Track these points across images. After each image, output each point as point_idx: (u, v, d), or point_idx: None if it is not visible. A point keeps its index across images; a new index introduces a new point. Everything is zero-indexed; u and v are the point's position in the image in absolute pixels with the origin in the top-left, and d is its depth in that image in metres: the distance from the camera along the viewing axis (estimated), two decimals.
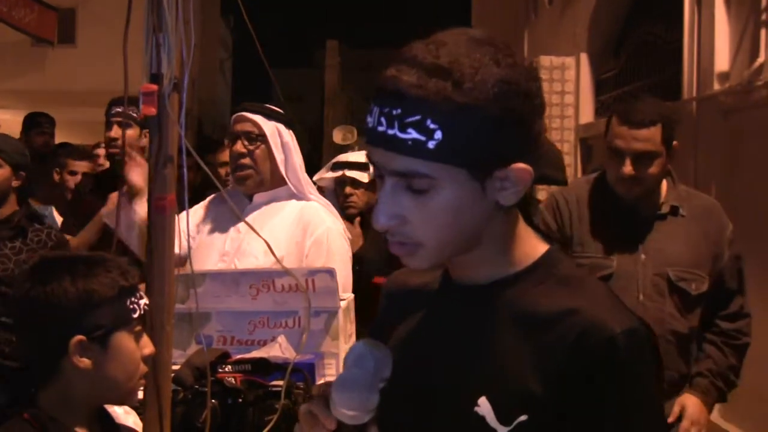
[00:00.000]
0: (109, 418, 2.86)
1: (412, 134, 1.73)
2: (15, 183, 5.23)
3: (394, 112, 1.74)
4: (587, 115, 13.56)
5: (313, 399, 1.89)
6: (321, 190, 6.71)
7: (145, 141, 6.34)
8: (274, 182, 4.62)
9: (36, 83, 20.38)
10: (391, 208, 1.81)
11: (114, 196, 5.92)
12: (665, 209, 4.25)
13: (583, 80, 13.61)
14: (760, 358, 5.11)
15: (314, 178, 7.03)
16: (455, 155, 1.75)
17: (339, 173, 6.39)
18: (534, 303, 1.88)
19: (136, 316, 2.71)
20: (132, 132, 6.27)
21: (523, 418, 1.80)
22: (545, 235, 2.02)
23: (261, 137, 4.56)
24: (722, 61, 9.39)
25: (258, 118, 4.57)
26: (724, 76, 9.34)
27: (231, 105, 35.87)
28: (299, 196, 4.62)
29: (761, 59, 8.49)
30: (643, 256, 4.13)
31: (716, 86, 9.36)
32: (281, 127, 4.62)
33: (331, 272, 4.05)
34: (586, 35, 13.46)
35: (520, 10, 16.50)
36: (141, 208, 4.16)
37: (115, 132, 6.28)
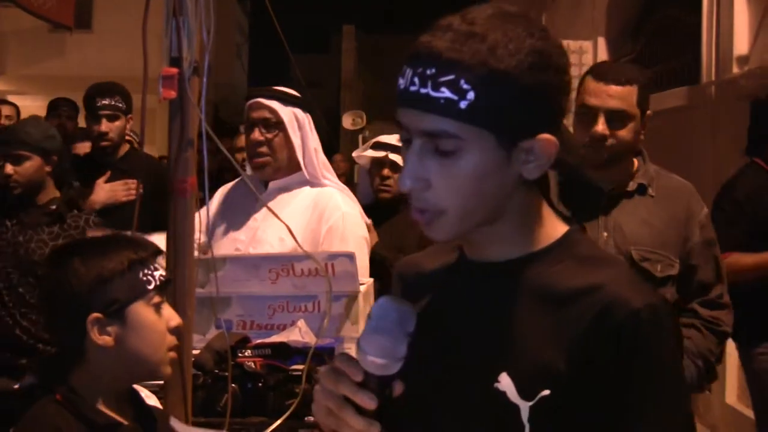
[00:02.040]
0: (139, 399, 2.88)
1: (445, 93, 1.75)
2: (47, 168, 5.21)
3: (428, 72, 1.77)
4: None
5: (334, 359, 1.88)
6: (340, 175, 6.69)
7: (129, 126, 6.36)
8: (290, 168, 4.61)
9: (55, 69, 20.43)
10: (417, 170, 1.82)
11: (100, 182, 5.98)
12: (632, 187, 4.08)
13: None
14: None
15: (354, 154, 6.99)
16: (485, 118, 1.77)
17: (382, 154, 6.32)
18: (554, 280, 1.89)
19: (151, 287, 2.74)
20: (120, 123, 6.27)
21: (545, 392, 1.81)
22: (565, 216, 2.02)
23: (278, 124, 4.54)
24: (741, 45, 9.35)
25: (274, 104, 4.54)
26: (743, 60, 9.30)
27: (247, 90, 35.95)
28: (314, 182, 4.60)
29: None
30: (605, 234, 3.99)
31: (736, 69, 9.32)
32: (298, 111, 4.59)
33: (350, 256, 4.04)
34: (604, 19, 13.42)
35: None
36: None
37: (105, 126, 6.27)
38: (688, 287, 4.08)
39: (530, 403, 1.81)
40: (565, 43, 13.48)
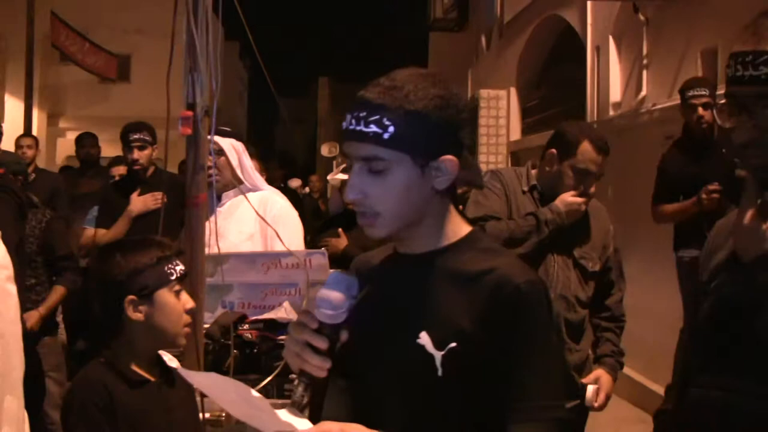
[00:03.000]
0: (164, 363, 2.92)
1: (373, 128, 1.86)
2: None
3: (361, 114, 1.88)
4: (516, 134, 13.59)
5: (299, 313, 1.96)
6: (314, 192, 6.68)
7: (155, 154, 6.41)
8: (235, 183, 4.55)
9: (101, 111, 20.34)
10: (357, 185, 1.92)
11: (134, 196, 6.06)
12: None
13: (512, 108, 13.63)
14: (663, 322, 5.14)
15: (329, 177, 7.04)
16: (403, 144, 1.87)
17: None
18: (461, 266, 1.95)
19: (173, 278, 2.81)
20: (147, 152, 6.34)
21: (453, 345, 1.87)
22: (469, 219, 2.08)
23: (220, 151, 4.48)
24: (615, 93, 9.44)
25: (217, 138, 4.53)
26: (617, 105, 9.39)
27: (247, 126, 35.70)
28: (254, 189, 4.54)
29: (644, 93, 8.54)
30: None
31: (611, 112, 9.41)
32: (233, 141, 4.56)
33: (323, 253, 4.07)
34: (515, 73, 13.49)
35: (465, 54, 16.51)
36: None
37: (137, 154, 6.35)
38: (602, 284, 4.11)
39: (442, 353, 1.87)
40: (485, 91, 13.63)
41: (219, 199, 4.54)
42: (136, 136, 6.30)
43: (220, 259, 3.77)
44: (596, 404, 3.94)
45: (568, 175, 3.95)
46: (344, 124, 1.90)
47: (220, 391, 2.03)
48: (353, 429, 1.80)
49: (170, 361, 3.03)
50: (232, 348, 3.43)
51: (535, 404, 1.85)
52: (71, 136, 11.42)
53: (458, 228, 2.02)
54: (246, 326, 3.62)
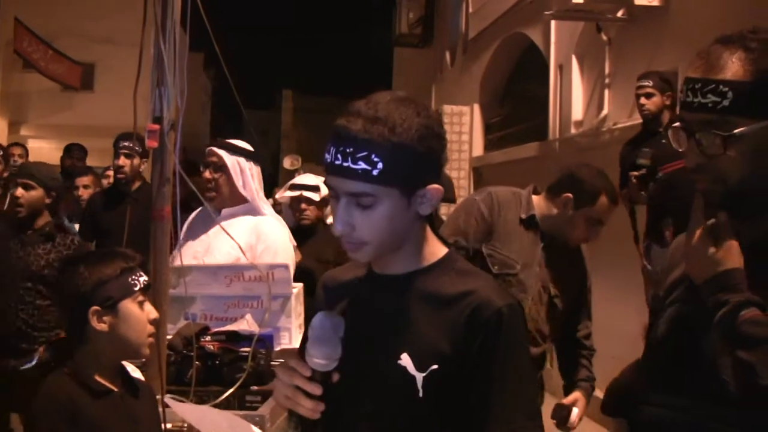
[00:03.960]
0: (127, 373, 2.93)
1: (361, 165, 1.84)
2: (47, 201, 5.19)
3: (348, 150, 1.85)
4: (478, 150, 13.63)
5: (285, 358, 1.96)
6: (276, 205, 6.74)
7: (143, 166, 6.39)
8: (234, 200, 4.53)
9: (64, 119, 20.20)
10: (345, 219, 1.91)
11: None
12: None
13: (475, 124, 13.66)
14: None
15: (276, 195, 7.04)
16: (392, 179, 1.86)
17: (297, 193, 6.40)
18: (440, 287, 1.98)
19: (137, 289, 2.83)
20: (136, 161, 6.34)
21: (434, 366, 1.90)
22: (445, 241, 2.10)
23: (223, 167, 4.49)
24: (577, 112, 9.51)
25: (222, 152, 4.49)
26: (579, 123, 9.46)
27: (210, 138, 35.60)
28: (255, 212, 4.53)
29: (605, 111, 8.64)
30: (537, 269, 3.99)
31: (573, 130, 9.49)
32: (242, 160, 4.51)
33: (286, 267, 4.08)
34: (479, 90, 13.52)
35: (429, 69, 16.54)
36: None
37: (122, 161, 6.38)
38: (574, 318, 4.18)
39: (423, 374, 1.91)
40: (449, 107, 13.66)
41: (219, 212, 4.51)
42: (125, 143, 6.32)
43: (183, 271, 3.78)
44: (575, 426, 4.06)
45: (580, 226, 3.96)
46: (328, 157, 1.89)
47: (210, 424, 2.02)
48: None
49: (133, 371, 3.06)
50: (194, 359, 3.44)
51: (514, 425, 1.90)
52: (33, 144, 11.35)
53: (436, 249, 2.05)
54: (208, 338, 3.63)
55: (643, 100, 6.40)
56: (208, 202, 4.58)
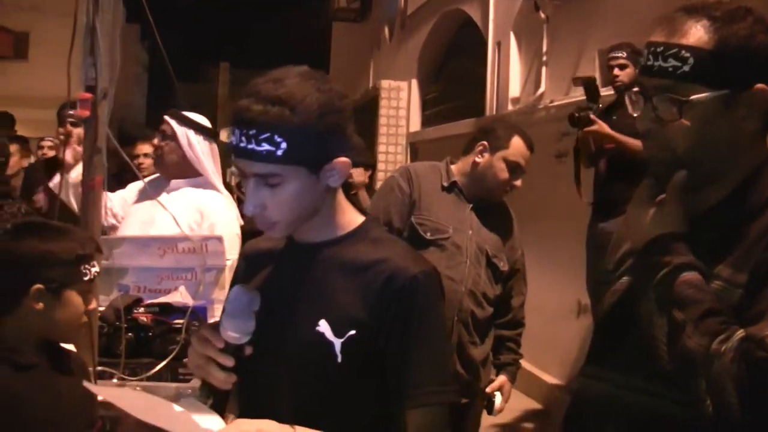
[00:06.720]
0: (57, 347, 2.81)
1: (265, 146, 1.87)
2: None
3: (251, 132, 1.88)
4: (415, 125, 13.68)
5: (202, 328, 1.98)
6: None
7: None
8: (183, 172, 4.46)
9: None
10: (255, 199, 1.95)
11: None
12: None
13: (413, 99, 13.71)
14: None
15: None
16: (296, 158, 1.90)
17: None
18: (355, 255, 2.04)
19: (86, 279, 2.69)
20: (80, 129, 6.25)
21: (352, 332, 1.96)
22: (361, 210, 2.18)
23: (171, 137, 4.47)
24: (514, 89, 9.57)
25: (173, 122, 4.46)
26: (515, 100, 9.53)
27: (146, 109, 35.10)
28: (205, 186, 4.46)
29: (542, 89, 8.71)
30: (470, 231, 3.97)
31: (510, 107, 9.55)
32: (190, 132, 4.45)
33: (219, 239, 4.05)
34: (416, 65, 13.56)
35: (367, 45, 16.53)
36: (73, 174, 4.07)
37: (66, 128, 6.27)
38: (509, 287, 4.17)
39: (341, 340, 1.96)
40: (387, 82, 13.69)
41: (168, 182, 4.46)
42: (70, 111, 6.21)
43: (114, 242, 3.75)
44: (499, 411, 4.13)
45: (500, 167, 3.97)
46: (233, 140, 1.91)
47: (131, 403, 2.01)
48: (268, 426, 1.84)
49: (65, 344, 2.99)
50: (124, 331, 3.42)
51: (428, 390, 1.96)
52: None
53: (352, 218, 2.11)
54: (141, 310, 3.61)
55: (616, 71, 6.22)
56: (155, 167, 4.56)
